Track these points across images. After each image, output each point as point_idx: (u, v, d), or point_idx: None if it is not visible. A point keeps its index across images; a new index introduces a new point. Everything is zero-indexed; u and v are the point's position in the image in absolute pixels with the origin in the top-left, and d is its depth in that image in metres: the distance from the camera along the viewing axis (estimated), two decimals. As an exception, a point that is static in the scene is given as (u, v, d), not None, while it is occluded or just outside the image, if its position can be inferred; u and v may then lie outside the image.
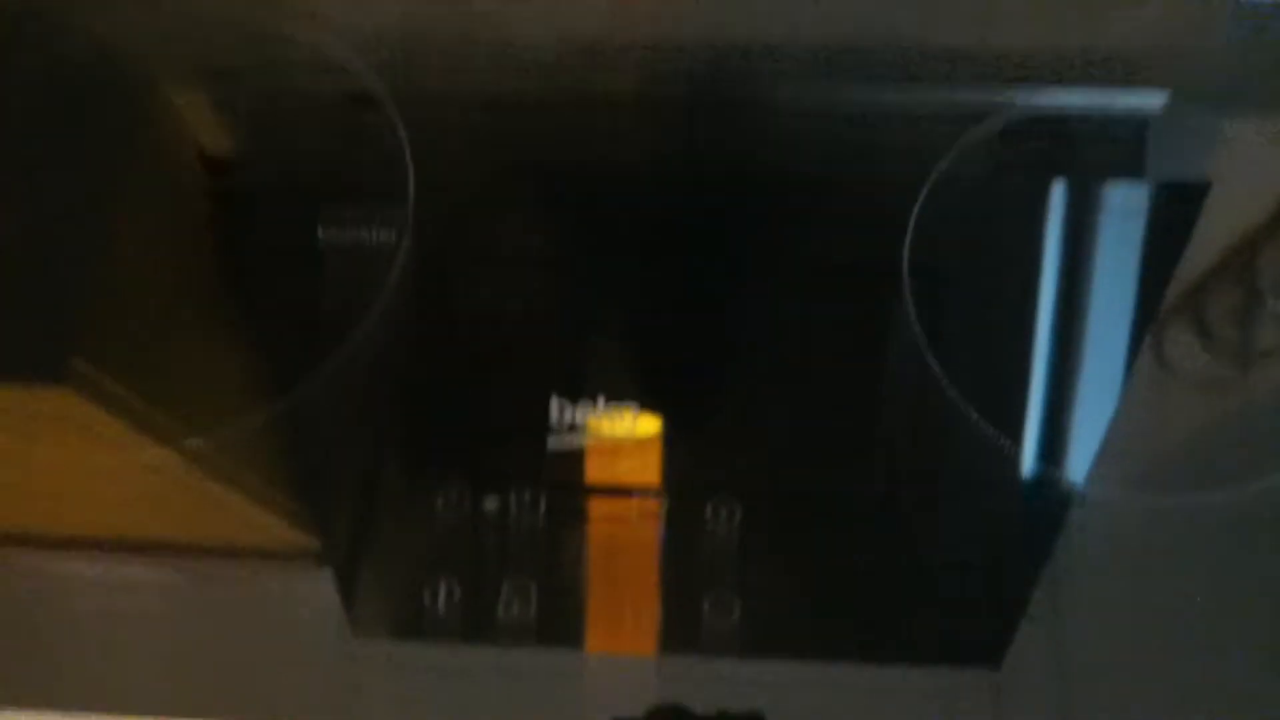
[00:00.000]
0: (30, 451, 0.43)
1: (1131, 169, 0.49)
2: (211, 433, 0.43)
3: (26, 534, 0.42)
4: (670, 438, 0.43)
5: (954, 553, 0.42)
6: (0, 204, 0.49)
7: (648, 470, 0.42)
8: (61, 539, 0.42)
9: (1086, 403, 0.44)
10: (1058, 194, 0.48)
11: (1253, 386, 0.46)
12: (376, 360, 0.45)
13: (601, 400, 0.43)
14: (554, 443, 0.43)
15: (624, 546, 0.41)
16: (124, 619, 0.40)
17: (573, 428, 0.43)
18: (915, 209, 0.46)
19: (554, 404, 0.43)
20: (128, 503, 0.43)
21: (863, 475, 0.44)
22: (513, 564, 0.40)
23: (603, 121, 0.50)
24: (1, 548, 0.42)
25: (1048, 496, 0.42)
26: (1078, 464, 0.43)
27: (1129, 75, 0.49)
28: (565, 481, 0.42)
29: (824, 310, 0.46)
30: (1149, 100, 0.49)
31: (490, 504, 0.41)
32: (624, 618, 0.40)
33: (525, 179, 0.49)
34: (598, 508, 0.42)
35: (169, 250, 0.49)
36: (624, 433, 0.43)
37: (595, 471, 0.42)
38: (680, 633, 0.40)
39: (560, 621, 0.40)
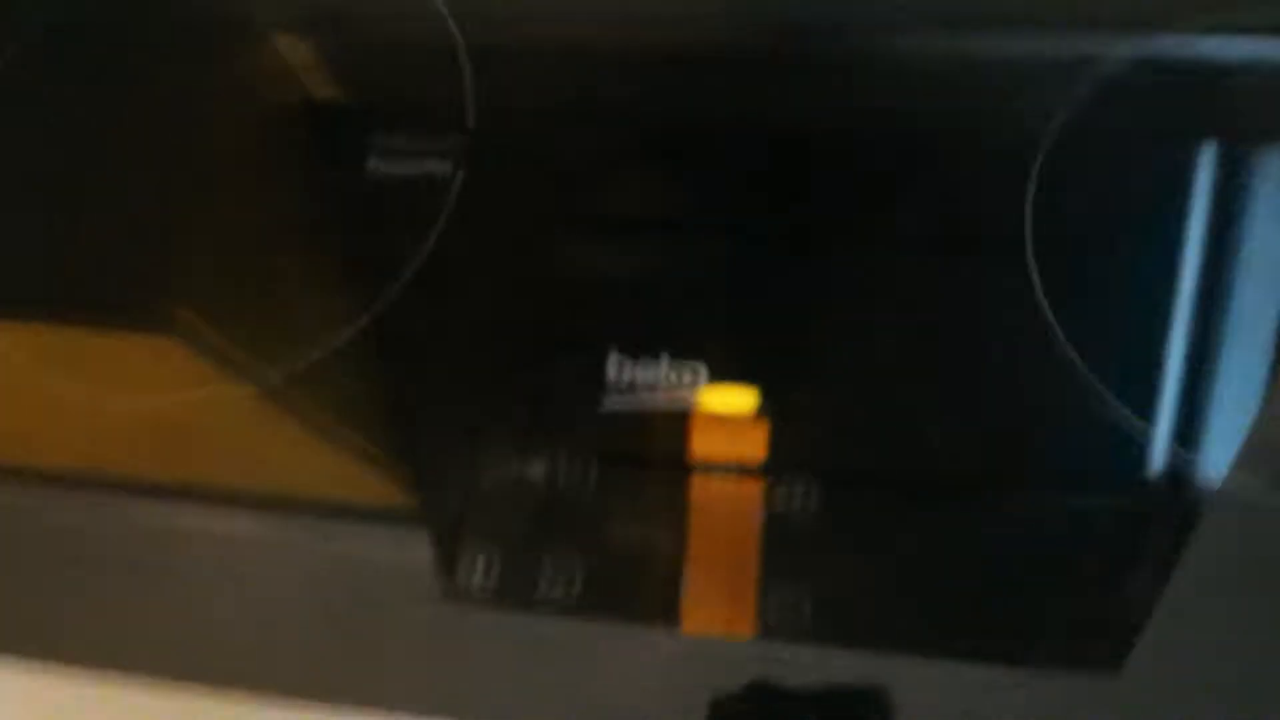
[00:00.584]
0: (136, 401, 0.43)
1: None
2: (284, 368, 0.42)
3: (139, 483, 0.42)
4: (769, 411, 0.40)
5: (1078, 547, 0.39)
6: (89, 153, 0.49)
7: (748, 445, 0.40)
8: (170, 488, 0.42)
9: (1230, 388, 0.41)
10: (1204, 155, 0.44)
11: None
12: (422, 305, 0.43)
13: (666, 359, 0.41)
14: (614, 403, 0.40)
15: (720, 524, 0.39)
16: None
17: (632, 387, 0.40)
18: (1036, 167, 0.42)
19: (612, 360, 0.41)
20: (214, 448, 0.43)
21: (967, 459, 0.41)
22: (600, 537, 0.39)
23: (680, 66, 0.47)
24: (112, 496, 0.42)
25: (1182, 490, 0.39)
26: (1217, 456, 0.40)
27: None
28: (664, 454, 0.40)
29: (932, 278, 0.43)
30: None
31: (576, 472, 0.39)
32: (721, 599, 0.38)
33: (593, 121, 0.47)
34: (695, 483, 0.40)
35: (244, 185, 0.48)
36: (724, 406, 0.40)
37: (697, 445, 0.40)
38: (779, 618, 0.38)
39: (654, 600, 0.38)
